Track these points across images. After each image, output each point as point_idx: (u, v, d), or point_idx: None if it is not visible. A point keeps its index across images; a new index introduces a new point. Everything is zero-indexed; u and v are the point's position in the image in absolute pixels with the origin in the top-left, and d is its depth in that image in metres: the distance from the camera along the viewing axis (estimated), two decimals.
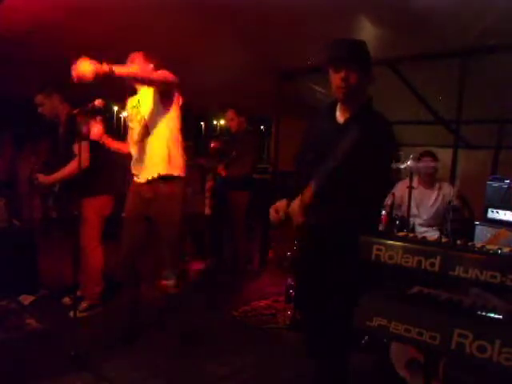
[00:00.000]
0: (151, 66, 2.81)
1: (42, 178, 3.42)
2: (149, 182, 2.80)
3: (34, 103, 3.42)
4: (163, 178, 2.77)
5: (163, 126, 2.75)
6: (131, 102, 2.92)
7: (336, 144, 1.89)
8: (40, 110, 3.43)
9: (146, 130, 2.77)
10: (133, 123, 2.86)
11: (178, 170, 2.81)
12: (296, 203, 2.05)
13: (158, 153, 2.76)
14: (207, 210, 5.36)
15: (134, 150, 2.87)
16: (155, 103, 2.75)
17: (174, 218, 2.80)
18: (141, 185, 2.83)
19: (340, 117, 2.10)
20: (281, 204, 2.19)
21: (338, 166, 1.85)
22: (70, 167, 3.23)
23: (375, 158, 1.89)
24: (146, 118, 2.77)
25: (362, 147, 1.80)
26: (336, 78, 1.95)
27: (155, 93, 2.73)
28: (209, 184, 4.73)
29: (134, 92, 2.93)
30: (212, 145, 4.71)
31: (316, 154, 2.07)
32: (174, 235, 2.83)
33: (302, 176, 2.15)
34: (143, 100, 2.81)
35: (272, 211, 2.21)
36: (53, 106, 3.40)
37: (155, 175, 2.77)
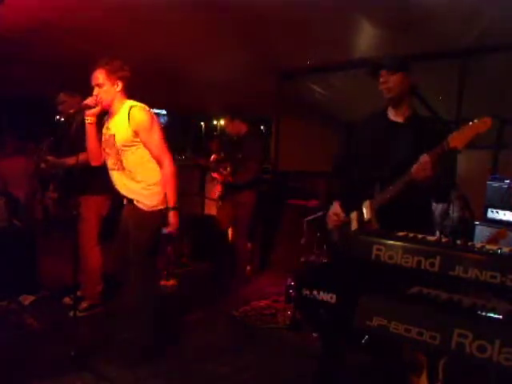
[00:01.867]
0: (119, 85, 2.65)
1: (52, 159, 3.40)
2: (127, 205, 2.79)
3: (55, 101, 3.48)
4: (137, 206, 2.72)
5: (135, 158, 2.67)
6: (106, 127, 2.76)
7: (396, 142, 2.23)
8: (60, 107, 3.49)
9: (122, 165, 2.69)
10: (107, 150, 2.74)
11: (154, 202, 2.70)
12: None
13: (133, 184, 2.70)
14: (214, 211, 5.35)
15: (111, 175, 2.79)
16: (128, 139, 2.63)
17: (139, 244, 2.70)
18: (124, 206, 2.84)
19: (395, 117, 2.33)
20: (337, 209, 2.41)
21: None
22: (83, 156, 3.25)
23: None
24: (120, 153, 2.66)
25: (425, 143, 2.12)
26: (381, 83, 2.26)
27: (131, 131, 2.61)
28: (218, 189, 4.68)
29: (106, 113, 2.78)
30: (212, 158, 4.61)
31: (375, 153, 2.31)
32: (139, 260, 2.72)
33: (354, 175, 2.43)
34: (118, 131, 2.65)
35: (332, 216, 2.42)
36: (73, 104, 3.43)
37: (131, 199, 2.74)
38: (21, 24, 3.70)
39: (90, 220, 3.39)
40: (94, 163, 2.89)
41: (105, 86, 2.63)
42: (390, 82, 2.22)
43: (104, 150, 2.77)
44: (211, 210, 5.83)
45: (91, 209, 3.37)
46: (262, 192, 4.54)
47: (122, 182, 2.74)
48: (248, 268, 4.57)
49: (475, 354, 1.53)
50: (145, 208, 2.70)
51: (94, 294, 3.47)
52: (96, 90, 2.64)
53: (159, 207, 2.71)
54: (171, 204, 2.66)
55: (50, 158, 3.44)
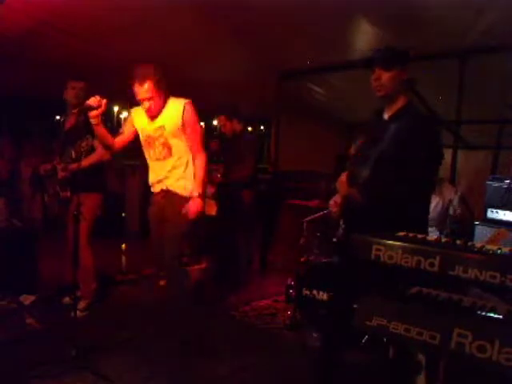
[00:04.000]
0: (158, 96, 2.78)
1: (69, 166, 3.40)
2: (163, 192, 2.92)
3: (65, 87, 3.43)
4: (178, 193, 2.87)
5: (183, 150, 2.86)
6: (153, 123, 2.87)
7: (381, 137, 2.17)
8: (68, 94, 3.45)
9: (169, 152, 2.85)
10: (155, 144, 2.88)
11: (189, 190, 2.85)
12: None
13: (180, 170, 2.87)
14: (213, 211, 5.34)
15: (153, 165, 2.95)
16: (179, 132, 2.83)
17: (180, 230, 2.89)
18: (156, 194, 2.96)
19: (386, 115, 2.28)
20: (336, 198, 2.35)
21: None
22: (98, 155, 3.30)
23: (417, 147, 2.09)
24: (169, 142, 2.83)
25: (404, 139, 2.09)
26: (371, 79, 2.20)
27: (181, 123, 2.81)
28: (212, 188, 4.68)
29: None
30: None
31: (363, 152, 2.25)
32: (177, 235, 2.90)
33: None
34: (168, 123, 2.82)
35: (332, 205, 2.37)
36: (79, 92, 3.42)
37: (168, 187, 2.89)
38: (21, 24, 3.70)
39: (89, 219, 3.40)
40: (115, 151, 3.00)
41: (155, 98, 2.75)
42: (382, 79, 2.15)
43: (147, 143, 2.90)
44: (211, 210, 5.83)
45: (90, 207, 3.38)
46: (261, 192, 4.54)
47: (166, 170, 2.87)
48: (248, 268, 4.57)
49: (475, 354, 1.53)
50: (186, 194, 2.83)
51: (88, 292, 3.49)
52: (147, 103, 2.74)
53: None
54: (196, 192, 2.80)
55: (66, 165, 3.43)
